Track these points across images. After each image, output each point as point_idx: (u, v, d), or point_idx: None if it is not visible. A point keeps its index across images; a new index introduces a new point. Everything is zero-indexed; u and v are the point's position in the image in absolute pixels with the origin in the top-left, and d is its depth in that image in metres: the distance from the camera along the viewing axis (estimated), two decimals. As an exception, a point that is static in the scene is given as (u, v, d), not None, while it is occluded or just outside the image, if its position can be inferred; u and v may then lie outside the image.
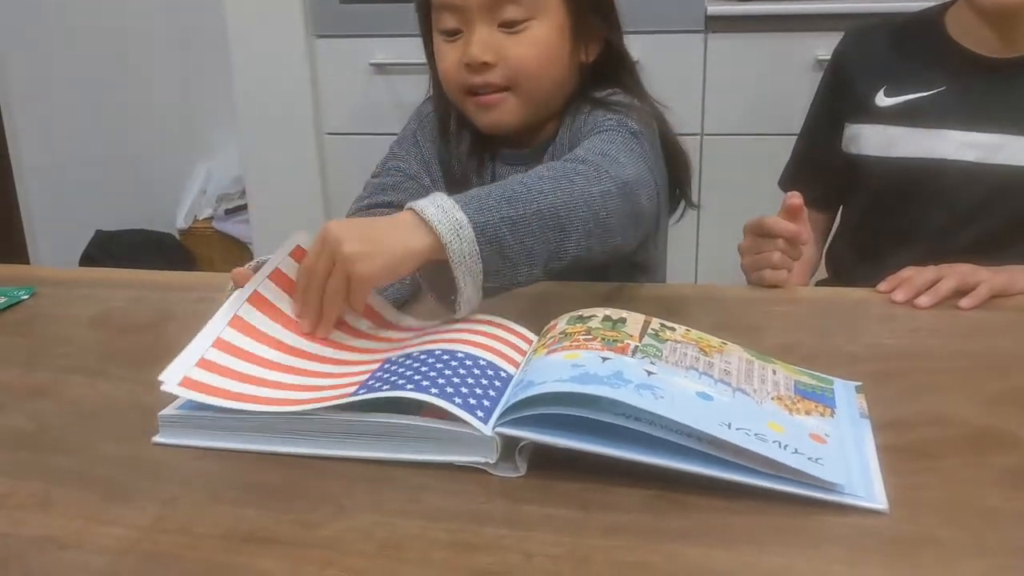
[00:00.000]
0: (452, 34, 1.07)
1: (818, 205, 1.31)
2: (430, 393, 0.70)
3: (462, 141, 1.15)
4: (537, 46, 1.05)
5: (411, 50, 2.16)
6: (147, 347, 0.93)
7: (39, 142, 2.83)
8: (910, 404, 0.77)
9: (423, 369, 0.74)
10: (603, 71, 1.12)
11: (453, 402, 0.69)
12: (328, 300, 0.80)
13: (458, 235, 0.77)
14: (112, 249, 2.78)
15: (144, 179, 2.86)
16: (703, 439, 0.65)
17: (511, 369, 0.77)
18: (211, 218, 2.87)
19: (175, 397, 0.76)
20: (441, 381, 0.71)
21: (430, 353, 0.77)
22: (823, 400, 0.76)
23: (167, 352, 0.88)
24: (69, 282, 1.13)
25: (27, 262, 2.84)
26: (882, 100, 1.23)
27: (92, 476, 0.71)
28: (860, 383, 0.80)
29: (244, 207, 2.62)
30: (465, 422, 0.68)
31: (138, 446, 0.74)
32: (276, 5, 2.25)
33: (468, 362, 0.75)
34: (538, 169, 0.89)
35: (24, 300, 1.05)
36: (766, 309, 0.97)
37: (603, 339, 0.75)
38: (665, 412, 0.65)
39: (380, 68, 2.25)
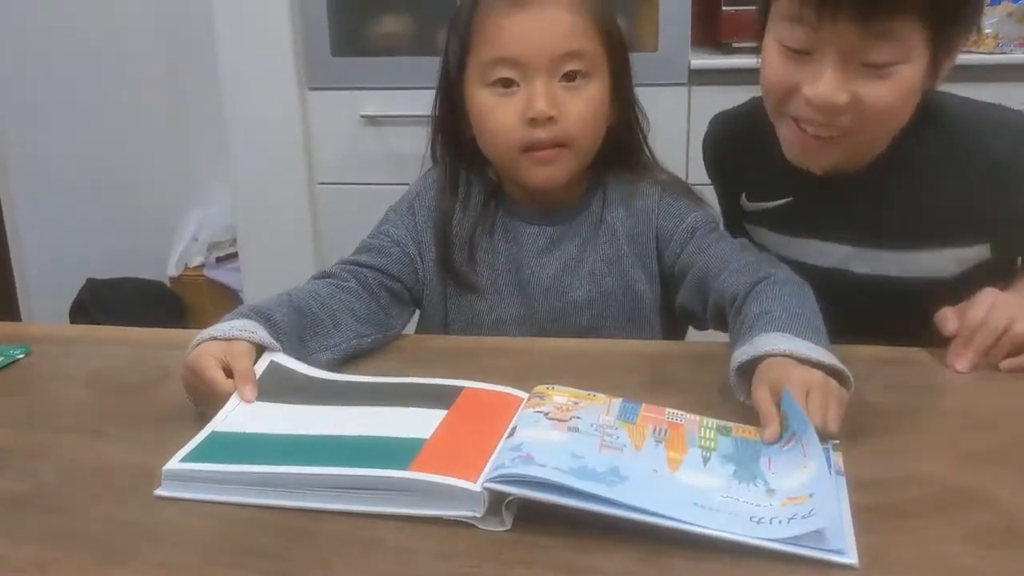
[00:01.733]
0: (507, 85, 1.06)
1: None
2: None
3: (472, 196, 1.16)
4: (592, 103, 1.08)
5: (401, 102, 2.24)
6: (144, 406, 0.94)
7: (31, 189, 2.85)
8: (886, 462, 0.79)
9: None
10: (619, 136, 1.15)
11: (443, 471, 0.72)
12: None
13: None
14: (103, 297, 2.78)
15: (136, 227, 2.87)
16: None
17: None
18: (202, 266, 2.88)
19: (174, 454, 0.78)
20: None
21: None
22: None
23: (164, 412, 0.91)
24: (64, 340, 1.14)
25: (18, 310, 2.85)
26: (746, 204, 1.21)
27: (89, 538, 0.72)
28: (836, 442, 0.81)
29: (235, 255, 2.64)
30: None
31: (135, 507, 0.75)
32: (269, 58, 2.28)
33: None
34: (786, 296, 0.95)
35: (19, 359, 1.06)
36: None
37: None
38: (655, 508, 0.68)
39: (371, 120, 2.28)
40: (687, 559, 0.66)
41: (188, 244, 2.88)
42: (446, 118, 1.15)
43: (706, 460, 0.78)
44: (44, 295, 2.86)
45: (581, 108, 1.07)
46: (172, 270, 2.86)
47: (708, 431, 0.82)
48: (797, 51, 0.98)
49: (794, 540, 0.66)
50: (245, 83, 2.31)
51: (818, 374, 0.83)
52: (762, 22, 1.06)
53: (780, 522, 0.68)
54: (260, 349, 0.92)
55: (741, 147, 1.23)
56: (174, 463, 0.78)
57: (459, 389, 0.88)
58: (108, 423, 0.91)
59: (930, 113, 1.07)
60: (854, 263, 1.15)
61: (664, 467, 0.75)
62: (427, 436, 0.79)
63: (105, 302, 2.76)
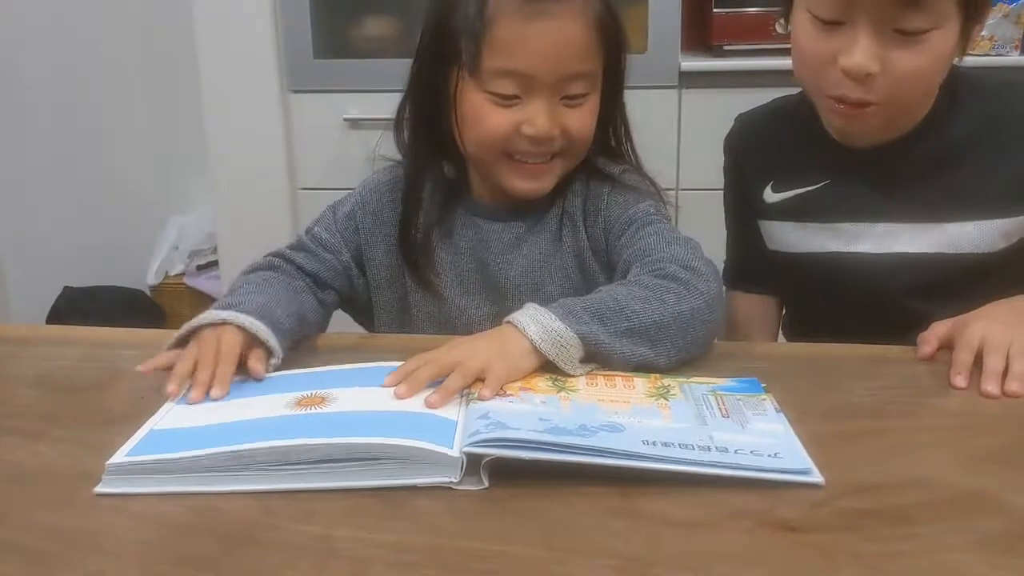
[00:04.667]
0: (508, 99, 1.02)
1: (764, 293, 1.27)
2: (391, 435, 0.72)
3: (432, 197, 1.12)
4: (591, 116, 1.05)
5: (385, 106, 2.16)
6: (91, 408, 0.88)
7: (7, 196, 2.79)
8: (888, 466, 0.74)
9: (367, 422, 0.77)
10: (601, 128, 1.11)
11: (410, 437, 0.72)
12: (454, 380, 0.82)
13: (562, 344, 0.85)
14: (81, 305, 2.72)
15: (115, 234, 2.81)
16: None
17: (423, 411, 0.79)
18: (183, 274, 2.83)
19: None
20: (383, 427, 0.75)
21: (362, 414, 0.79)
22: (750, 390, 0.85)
23: (111, 414, 0.85)
24: (17, 340, 1.08)
25: (-7, 317, 2.79)
26: (770, 196, 1.18)
27: (18, 546, 0.66)
28: (765, 385, 0.86)
29: (216, 263, 2.59)
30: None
31: (73, 513, 0.70)
32: (251, 60, 2.24)
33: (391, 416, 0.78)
34: (630, 285, 0.93)
35: (-32, 359, 1.01)
36: (739, 364, 0.94)
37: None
38: (635, 449, 0.72)
39: (354, 123, 2.23)
40: (657, 496, 0.69)
41: (168, 252, 2.83)
42: (422, 111, 1.10)
43: (667, 400, 0.83)
44: (20, 302, 2.80)
45: (580, 123, 1.04)
46: (152, 278, 2.81)
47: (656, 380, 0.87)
48: (829, 22, 0.98)
49: (759, 468, 0.71)
50: (226, 86, 2.26)
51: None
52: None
53: (748, 453, 0.73)
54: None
55: (770, 140, 1.20)
56: (118, 457, 0.74)
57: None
58: (52, 425, 0.85)
59: (962, 84, 1.07)
60: (894, 242, 1.11)
61: (628, 415, 0.79)
62: (382, 409, 0.78)
63: (83, 310, 2.70)
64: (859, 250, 1.13)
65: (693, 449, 0.72)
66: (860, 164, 1.10)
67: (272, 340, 0.92)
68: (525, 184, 1.06)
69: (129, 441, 0.77)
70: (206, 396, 0.85)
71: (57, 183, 2.79)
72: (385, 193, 1.15)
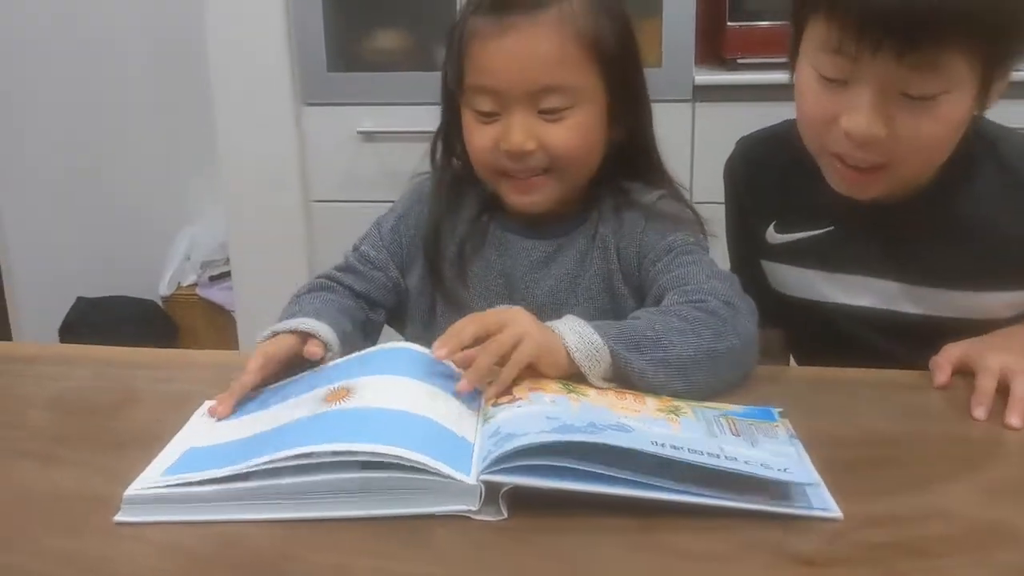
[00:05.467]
0: (488, 116, 1.03)
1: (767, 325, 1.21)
2: (403, 446, 0.70)
3: (464, 207, 1.13)
4: (578, 131, 1.03)
5: (399, 118, 2.20)
6: (105, 430, 0.88)
7: (21, 207, 2.80)
8: (906, 496, 0.73)
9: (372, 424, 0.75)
10: (628, 151, 1.09)
11: (429, 455, 0.70)
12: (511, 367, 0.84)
13: (597, 359, 0.86)
14: (92, 316, 2.73)
15: (127, 245, 2.82)
16: (675, 476, 0.70)
17: (444, 423, 0.78)
18: (195, 284, 2.83)
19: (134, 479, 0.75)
20: (402, 435, 0.72)
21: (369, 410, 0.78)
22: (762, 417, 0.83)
23: (126, 436, 0.85)
24: (30, 359, 1.08)
25: (8, 332, 2.80)
26: (773, 237, 1.13)
27: (29, 572, 0.66)
28: (782, 409, 0.84)
29: (228, 274, 2.59)
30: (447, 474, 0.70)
31: (87, 540, 0.69)
32: (264, 72, 2.24)
33: (412, 419, 0.77)
34: (668, 315, 0.92)
35: (-18, 378, 1.01)
36: (749, 388, 0.93)
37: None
38: (644, 447, 0.70)
39: (368, 136, 2.23)
40: (677, 529, 0.68)
41: (181, 263, 2.83)
42: (447, 126, 1.12)
43: (677, 416, 0.82)
44: (33, 314, 2.81)
45: (564, 137, 1.02)
46: (164, 289, 2.82)
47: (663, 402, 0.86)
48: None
49: (777, 502, 0.70)
50: (239, 98, 2.27)
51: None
52: (795, 46, 1.00)
53: (758, 465, 0.71)
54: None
55: (774, 172, 1.14)
56: (137, 486, 0.73)
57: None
58: (66, 447, 0.85)
59: (986, 141, 1.02)
60: (900, 301, 1.07)
61: (637, 420, 0.78)
62: (400, 407, 0.78)
63: (95, 321, 2.71)
64: (859, 303, 1.09)
65: (703, 455, 0.71)
66: (866, 216, 1.05)
67: (324, 331, 0.94)
68: (519, 199, 1.06)
69: (164, 456, 0.78)
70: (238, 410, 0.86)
71: (69, 194, 2.80)
72: (425, 204, 1.15)
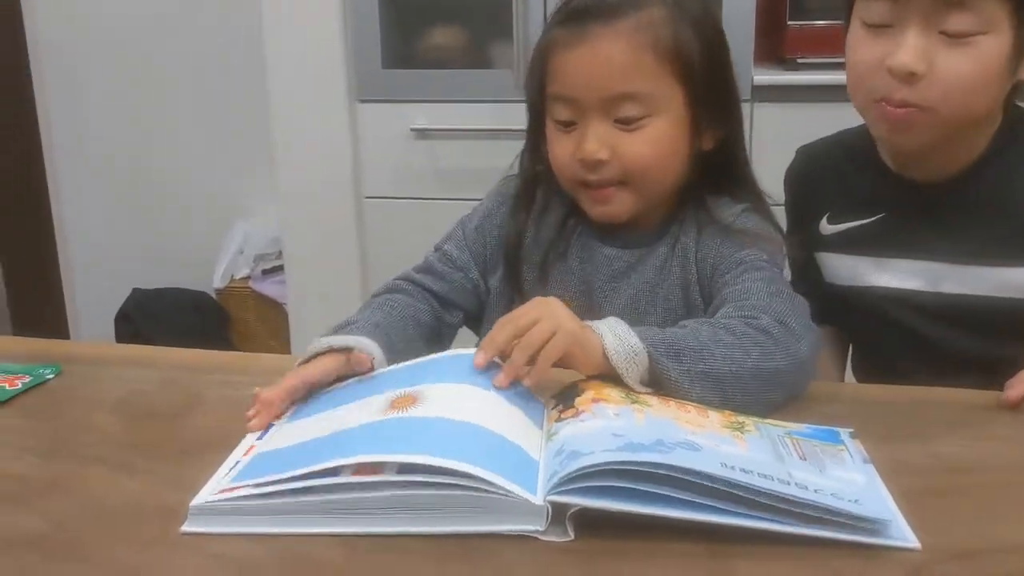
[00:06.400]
0: (566, 125, 1.03)
1: (826, 325, 1.22)
2: (475, 463, 0.70)
3: (550, 212, 1.12)
4: (655, 143, 1.02)
5: (452, 116, 2.19)
6: (174, 437, 0.89)
7: (80, 200, 2.86)
8: (988, 527, 0.71)
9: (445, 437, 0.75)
10: (717, 160, 1.08)
11: (497, 472, 0.69)
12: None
13: (634, 362, 0.85)
14: (148, 307, 2.77)
15: (182, 238, 2.86)
16: (746, 500, 0.68)
17: (510, 436, 0.77)
18: (248, 278, 2.86)
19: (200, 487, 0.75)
20: (470, 450, 0.72)
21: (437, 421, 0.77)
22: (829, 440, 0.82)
23: (193, 444, 0.85)
24: (96, 360, 1.09)
25: (64, 320, 2.85)
26: (825, 228, 1.17)
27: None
28: (853, 430, 0.83)
29: (281, 268, 2.61)
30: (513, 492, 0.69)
31: (157, 552, 0.70)
32: (319, 69, 2.25)
33: (479, 433, 0.76)
34: (716, 327, 0.90)
35: (49, 380, 1.02)
36: (813, 407, 0.90)
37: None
38: (714, 471, 0.68)
39: (421, 133, 2.23)
40: (747, 557, 0.67)
41: (234, 256, 2.86)
42: (534, 133, 1.12)
43: (742, 434, 0.80)
44: (90, 304, 2.86)
45: (639, 150, 1.01)
46: (217, 281, 2.84)
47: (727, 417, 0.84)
48: (878, 26, 1.00)
49: (851, 531, 0.68)
50: (294, 94, 2.28)
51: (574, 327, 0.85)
52: (848, 14, 1.06)
53: (828, 495, 0.69)
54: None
55: (829, 170, 1.19)
56: (204, 496, 0.74)
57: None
58: (135, 454, 0.85)
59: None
60: (945, 282, 1.09)
61: (704, 437, 0.76)
62: (463, 418, 0.77)
63: (150, 312, 2.75)
64: (907, 286, 1.11)
65: (773, 480, 0.70)
66: (917, 199, 1.09)
67: (368, 347, 0.92)
68: (597, 209, 1.06)
69: (230, 461, 0.78)
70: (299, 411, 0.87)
71: (126, 190, 2.85)
72: (510, 205, 1.14)
